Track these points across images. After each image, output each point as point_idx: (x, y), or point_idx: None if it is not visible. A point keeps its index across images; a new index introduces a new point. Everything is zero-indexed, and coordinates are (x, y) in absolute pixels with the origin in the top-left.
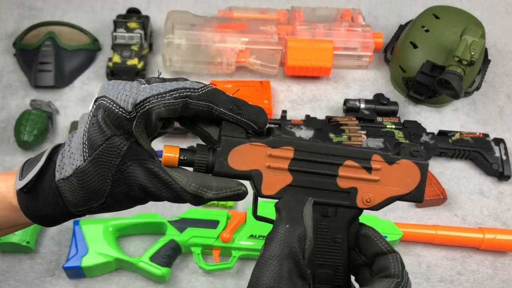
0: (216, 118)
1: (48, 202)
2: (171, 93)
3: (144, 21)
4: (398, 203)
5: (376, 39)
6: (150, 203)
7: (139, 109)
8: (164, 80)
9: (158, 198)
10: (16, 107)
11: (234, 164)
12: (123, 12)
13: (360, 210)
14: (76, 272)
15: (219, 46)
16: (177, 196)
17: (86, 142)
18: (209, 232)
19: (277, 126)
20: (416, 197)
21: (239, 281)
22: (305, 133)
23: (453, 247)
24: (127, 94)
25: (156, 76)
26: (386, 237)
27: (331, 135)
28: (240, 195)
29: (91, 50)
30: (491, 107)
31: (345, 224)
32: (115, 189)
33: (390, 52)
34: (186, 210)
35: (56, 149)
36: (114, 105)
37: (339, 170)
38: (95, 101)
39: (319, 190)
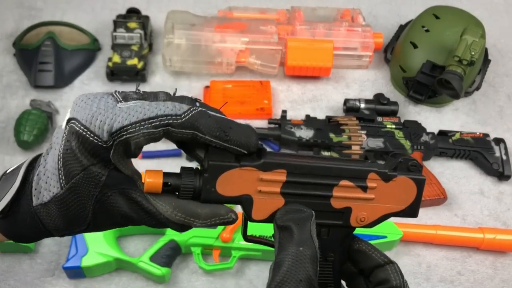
0: (201, 145)
1: (27, 225)
2: (150, 121)
3: (144, 21)
4: None
5: (376, 39)
6: None
7: (115, 137)
8: (142, 96)
9: (142, 224)
10: (16, 107)
11: (223, 190)
12: (123, 12)
13: (354, 228)
14: (76, 272)
15: (219, 46)
16: (162, 225)
17: (62, 168)
18: (209, 232)
19: (277, 126)
20: (411, 213)
21: (239, 281)
22: (305, 133)
23: (453, 247)
24: (101, 119)
25: (134, 90)
26: (386, 237)
27: (331, 135)
28: (229, 223)
29: (91, 50)
30: (491, 107)
31: (338, 243)
32: (97, 216)
33: (390, 52)
34: None
35: (32, 164)
36: (88, 132)
37: (334, 191)
38: (68, 121)
39: None
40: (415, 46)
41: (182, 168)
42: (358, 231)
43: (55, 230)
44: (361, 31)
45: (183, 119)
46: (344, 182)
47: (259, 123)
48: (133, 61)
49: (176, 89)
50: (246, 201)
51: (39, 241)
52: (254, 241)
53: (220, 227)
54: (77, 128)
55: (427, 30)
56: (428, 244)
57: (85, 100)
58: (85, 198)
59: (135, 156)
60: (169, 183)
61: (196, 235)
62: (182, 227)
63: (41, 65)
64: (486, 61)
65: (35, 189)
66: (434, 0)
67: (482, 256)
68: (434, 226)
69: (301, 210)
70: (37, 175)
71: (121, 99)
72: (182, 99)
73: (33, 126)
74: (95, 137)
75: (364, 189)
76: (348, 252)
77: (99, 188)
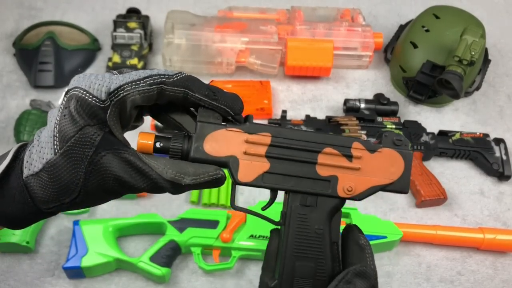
0: (191, 105)
1: (15, 201)
2: (145, 79)
3: (144, 21)
4: (397, 203)
5: (376, 39)
6: (150, 203)
7: (113, 97)
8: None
9: (133, 189)
10: (16, 107)
11: (210, 150)
12: (123, 12)
13: (342, 200)
14: (76, 272)
15: (219, 46)
16: (154, 184)
17: (57, 135)
18: (209, 232)
19: (277, 126)
20: (401, 187)
21: (239, 281)
22: None
23: (453, 247)
24: (99, 83)
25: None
26: (386, 237)
27: None
28: (218, 180)
29: (91, 50)
30: (491, 107)
31: (326, 215)
32: (88, 182)
33: (390, 52)
34: (186, 210)
35: (23, 147)
36: (87, 94)
37: (318, 158)
38: (66, 93)
39: (298, 178)
40: (415, 46)
41: (174, 132)
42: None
43: (44, 202)
44: (361, 31)
45: (175, 78)
46: (328, 149)
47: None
48: (133, 61)
49: None
50: (232, 163)
51: (39, 241)
52: (242, 210)
53: (220, 227)
54: (77, 93)
55: (427, 30)
56: (428, 244)
57: (83, 75)
58: (79, 160)
59: (129, 123)
60: (160, 144)
61: (196, 235)
62: (173, 186)
63: (41, 65)
64: (486, 61)
65: (27, 162)
66: (434, 0)
67: (482, 256)
68: (434, 226)
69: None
70: (29, 150)
71: (116, 73)
72: None
73: (33, 126)
74: (94, 98)
75: (349, 158)
76: (347, 242)
77: (93, 148)
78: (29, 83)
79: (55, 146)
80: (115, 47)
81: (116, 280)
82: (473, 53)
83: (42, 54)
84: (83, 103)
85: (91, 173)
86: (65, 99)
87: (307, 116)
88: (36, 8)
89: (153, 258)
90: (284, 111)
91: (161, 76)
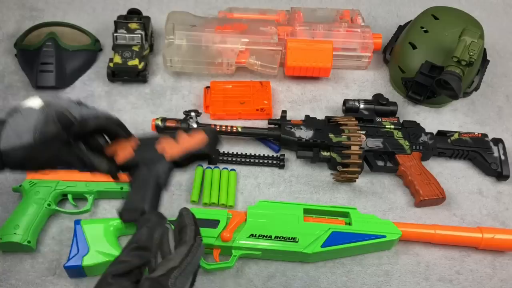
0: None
1: None
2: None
3: (145, 21)
4: (396, 203)
5: (375, 40)
6: None
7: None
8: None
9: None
10: None
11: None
12: (124, 12)
13: (170, 163)
14: (77, 272)
15: (219, 47)
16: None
17: (38, 130)
18: (210, 231)
19: (277, 126)
20: (210, 151)
21: (239, 280)
22: (305, 133)
23: (452, 247)
24: (75, 107)
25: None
26: (385, 236)
27: (331, 135)
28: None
29: (92, 50)
30: (489, 107)
31: (166, 176)
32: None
33: (389, 53)
34: None
35: None
36: (68, 112)
37: (159, 141)
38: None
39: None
40: (414, 47)
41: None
42: (359, 230)
43: (12, 167)
44: (360, 32)
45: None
46: (162, 139)
47: (259, 123)
48: (134, 62)
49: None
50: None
51: (40, 241)
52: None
53: (221, 227)
54: (60, 110)
55: (426, 31)
56: (427, 243)
57: (61, 97)
58: (50, 149)
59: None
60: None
61: None
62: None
63: (42, 65)
64: (484, 62)
65: (6, 136)
66: (433, 1)
67: (481, 256)
68: (433, 226)
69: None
70: (6, 130)
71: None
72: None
73: None
74: (71, 116)
75: (175, 139)
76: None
77: (62, 145)
78: (31, 83)
79: (35, 135)
80: (116, 48)
81: None
82: (471, 53)
83: (44, 55)
84: (63, 117)
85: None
86: (47, 109)
87: (307, 116)
88: (38, 9)
89: None
90: (284, 111)
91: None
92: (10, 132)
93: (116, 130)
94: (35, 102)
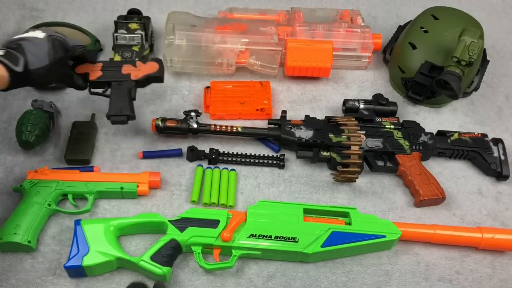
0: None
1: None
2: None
3: (145, 22)
4: (396, 203)
5: (375, 40)
6: (151, 202)
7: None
8: None
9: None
10: (18, 108)
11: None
12: (124, 13)
13: (134, 82)
14: (77, 271)
15: (219, 47)
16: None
17: (51, 50)
18: (210, 231)
19: (277, 126)
20: (161, 75)
21: (239, 280)
22: (305, 133)
23: (452, 247)
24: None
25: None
26: (385, 236)
27: (331, 135)
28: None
29: (93, 50)
30: (489, 107)
31: (128, 89)
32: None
33: (389, 53)
34: (186, 209)
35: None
36: (65, 40)
37: (123, 68)
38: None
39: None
40: (414, 47)
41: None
42: (359, 230)
43: (35, 83)
44: (360, 32)
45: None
46: (125, 66)
47: (259, 123)
48: None
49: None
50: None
51: (40, 241)
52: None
53: (221, 227)
54: (60, 39)
55: (426, 31)
56: (427, 243)
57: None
58: (58, 68)
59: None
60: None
61: (197, 235)
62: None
63: None
64: (484, 62)
65: (31, 60)
66: (433, 1)
67: (481, 256)
68: (433, 226)
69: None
70: (24, 49)
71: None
72: None
73: (34, 127)
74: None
75: (135, 66)
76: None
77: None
78: None
79: (50, 56)
80: (116, 48)
81: (117, 279)
82: (471, 53)
83: None
84: (64, 45)
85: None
86: (51, 39)
87: (307, 116)
88: (38, 9)
89: (154, 257)
90: (284, 111)
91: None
92: (33, 57)
93: (88, 56)
94: (38, 33)
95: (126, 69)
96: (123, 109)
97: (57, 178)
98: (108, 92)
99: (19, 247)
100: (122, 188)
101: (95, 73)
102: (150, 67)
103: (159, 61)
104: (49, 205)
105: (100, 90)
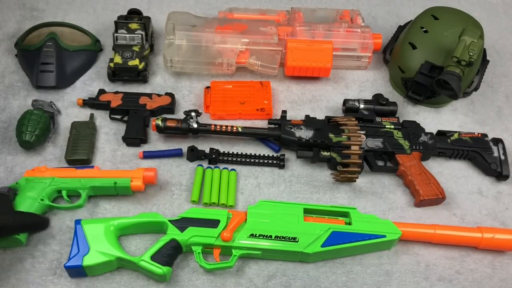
0: None
1: None
2: None
3: (145, 22)
4: (396, 202)
5: (375, 40)
6: (151, 202)
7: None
8: None
9: None
10: (18, 108)
11: None
12: (124, 13)
13: (150, 112)
14: (77, 271)
15: (219, 47)
16: None
17: None
18: (210, 231)
19: (277, 126)
20: (172, 106)
21: (239, 280)
22: (305, 133)
23: (452, 246)
24: None
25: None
26: (385, 236)
27: (331, 135)
28: None
29: (93, 50)
30: (489, 107)
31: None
32: None
33: (389, 53)
34: (186, 209)
35: None
36: None
37: (139, 100)
38: None
39: None
40: (414, 47)
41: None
42: (359, 230)
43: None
44: (360, 32)
45: None
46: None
47: (259, 123)
48: (135, 62)
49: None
50: None
51: (41, 240)
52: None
53: (221, 227)
54: None
55: (426, 31)
56: (427, 243)
57: None
58: None
59: None
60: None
61: (197, 235)
62: None
63: (43, 65)
64: (484, 62)
65: None
66: (433, 1)
67: (481, 255)
68: (433, 226)
69: None
70: None
71: None
72: None
73: (34, 127)
74: None
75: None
76: None
77: None
78: (31, 83)
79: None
80: (117, 48)
81: (118, 279)
82: (471, 53)
83: (44, 55)
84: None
85: None
86: None
87: (307, 116)
88: (38, 9)
89: (154, 257)
90: (284, 111)
91: None
92: None
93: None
94: None
95: (143, 100)
96: (137, 133)
97: (53, 175)
98: (126, 118)
99: (9, 242)
100: (115, 183)
101: (116, 102)
102: (163, 100)
103: (171, 96)
104: (42, 200)
105: (118, 117)
